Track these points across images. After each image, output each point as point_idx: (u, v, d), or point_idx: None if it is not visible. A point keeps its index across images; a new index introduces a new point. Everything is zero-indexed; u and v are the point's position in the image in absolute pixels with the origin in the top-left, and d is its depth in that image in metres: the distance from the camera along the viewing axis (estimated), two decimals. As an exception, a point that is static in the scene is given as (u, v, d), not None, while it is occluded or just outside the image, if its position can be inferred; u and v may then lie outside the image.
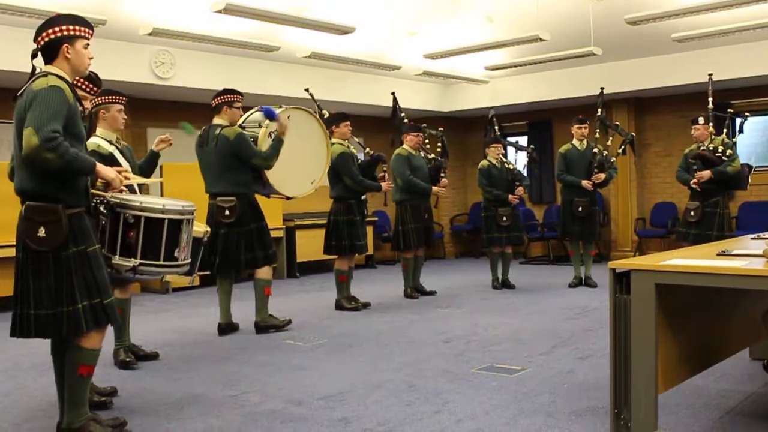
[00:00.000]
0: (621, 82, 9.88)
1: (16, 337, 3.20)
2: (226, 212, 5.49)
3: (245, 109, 5.84)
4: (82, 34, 3.24)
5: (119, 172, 3.44)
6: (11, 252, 6.04)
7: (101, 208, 3.54)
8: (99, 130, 4.38)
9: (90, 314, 3.16)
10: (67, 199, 3.15)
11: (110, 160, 4.26)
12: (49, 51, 3.20)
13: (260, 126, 5.67)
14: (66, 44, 3.18)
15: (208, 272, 5.72)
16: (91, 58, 3.30)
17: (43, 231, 3.09)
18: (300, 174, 5.80)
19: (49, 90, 3.04)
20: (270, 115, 5.52)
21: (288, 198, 5.94)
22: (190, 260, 4.10)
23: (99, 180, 3.41)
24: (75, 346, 3.20)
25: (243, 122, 5.81)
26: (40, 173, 3.06)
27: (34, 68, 3.20)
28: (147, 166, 4.82)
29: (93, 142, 4.27)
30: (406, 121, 7.82)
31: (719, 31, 7.71)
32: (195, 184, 5.96)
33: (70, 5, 5.99)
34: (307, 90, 7.01)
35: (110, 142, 4.39)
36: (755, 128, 10.02)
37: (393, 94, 7.93)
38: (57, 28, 3.17)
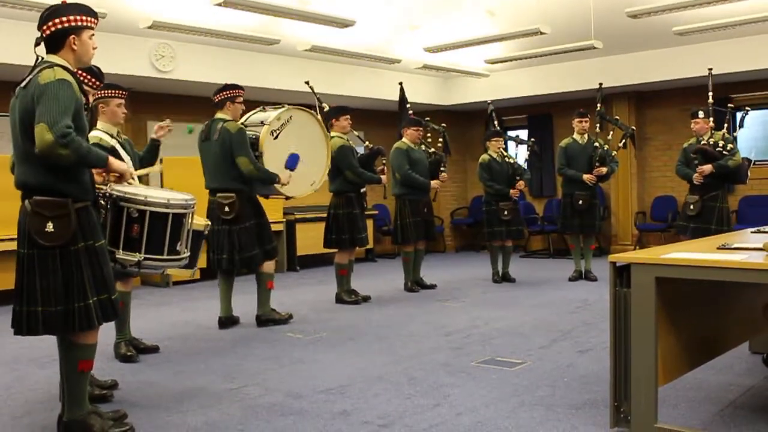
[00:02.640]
0: (621, 75, 9.86)
1: (21, 335, 3.10)
2: (226, 209, 5.48)
3: (245, 102, 5.84)
4: (88, 24, 3.17)
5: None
6: (9, 245, 6.13)
7: (102, 202, 3.52)
8: (100, 124, 4.39)
9: (100, 309, 3.12)
10: (75, 192, 3.07)
11: (112, 153, 4.25)
12: (54, 41, 3.12)
13: (262, 124, 5.67)
14: (73, 35, 3.11)
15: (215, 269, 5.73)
16: (95, 48, 3.23)
17: (52, 226, 2.99)
18: (300, 175, 5.80)
19: (58, 83, 2.95)
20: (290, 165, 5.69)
21: (287, 198, 5.96)
22: (189, 253, 4.10)
23: (112, 174, 3.35)
24: (73, 344, 3.14)
25: (245, 121, 5.81)
26: (48, 167, 2.98)
27: (37, 57, 3.11)
28: (149, 155, 4.77)
29: (95, 135, 4.27)
30: (410, 113, 7.81)
31: (720, 25, 7.69)
32: (195, 178, 5.95)
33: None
34: (307, 83, 7.00)
35: (111, 136, 4.39)
36: (756, 122, 10.00)
37: (401, 84, 7.90)
38: (64, 18, 3.09)
